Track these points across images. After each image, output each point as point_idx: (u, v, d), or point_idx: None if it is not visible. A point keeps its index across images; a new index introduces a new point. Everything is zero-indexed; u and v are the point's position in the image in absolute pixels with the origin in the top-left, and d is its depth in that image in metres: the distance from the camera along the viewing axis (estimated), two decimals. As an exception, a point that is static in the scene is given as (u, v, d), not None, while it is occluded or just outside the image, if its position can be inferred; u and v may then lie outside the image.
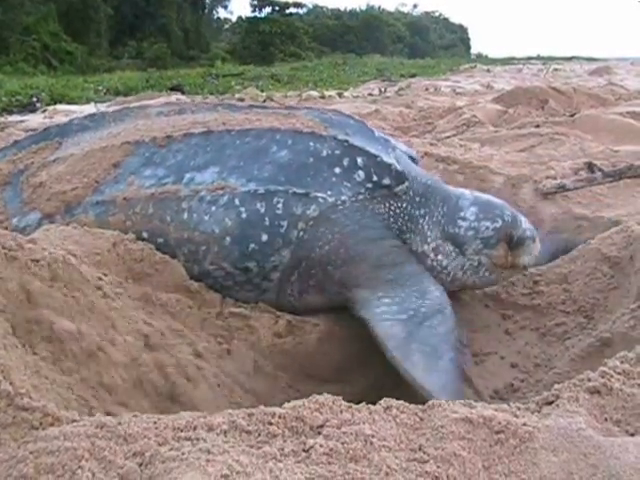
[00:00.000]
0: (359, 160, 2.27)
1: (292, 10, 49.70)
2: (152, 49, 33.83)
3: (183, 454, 1.10)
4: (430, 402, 1.28)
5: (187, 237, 2.13)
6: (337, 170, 2.24)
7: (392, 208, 2.33)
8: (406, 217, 2.36)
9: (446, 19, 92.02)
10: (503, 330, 2.53)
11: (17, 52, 27.04)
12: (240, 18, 53.21)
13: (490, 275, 2.46)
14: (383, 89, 15.23)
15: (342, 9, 68.36)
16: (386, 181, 2.29)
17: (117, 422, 1.20)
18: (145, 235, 2.13)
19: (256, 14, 48.05)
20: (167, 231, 2.14)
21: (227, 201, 2.14)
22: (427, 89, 14.95)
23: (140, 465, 1.09)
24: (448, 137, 5.82)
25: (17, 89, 14.54)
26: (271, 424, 1.20)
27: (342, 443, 1.14)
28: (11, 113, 11.04)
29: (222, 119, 2.39)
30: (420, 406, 1.27)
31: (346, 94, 14.58)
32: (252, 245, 2.14)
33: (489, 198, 2.59)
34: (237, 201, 2.14)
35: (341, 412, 1.24)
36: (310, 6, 60.69)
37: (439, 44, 78.64)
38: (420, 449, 1.15)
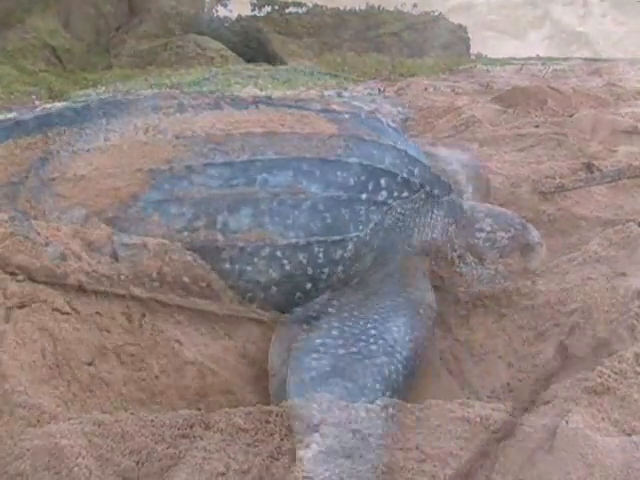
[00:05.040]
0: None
1: (292, 9, 49.71)
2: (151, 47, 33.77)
3: (180, 452, 1.10)
4: (427, 402, 1.28)
5: None
6: (364, 196, 2.18)
7: (424, 215, 2.42)
8: (435, 223, 2.47)
9: (446, 19, 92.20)
10: (500, 329, 2.52)
11: (16, 49, 27.01)
12: (240, 16, 53.24)
13: (505, 282, 2.54)
14: (382, 88, 15.21)
15: (341, 8, 68.26)
16: (436, 190, 2.42)
17: (114, 420, 1.19)
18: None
19: (255, 13, 48.10)
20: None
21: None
22: (426, 89, 14.87)
23: (137, 463, 1.10)
24: (447, 137, 5.81)
25: (15, 86, 14.49)
26: (268, 422, 1.20)
27: (339, 442, 1.14)
28: (9, 110, 11.02)
29: (263, 119, 2.22)
30: (417, 405, 1.28)
31: (345, 93, 14.57)
32: (298, 294, 2.10)
33: (500, 209, 2.73)
34: (279, 253, 2.04)
35: (338, 411, 1.24)
36: (310, 5, 60.48)
37: (438, 43, 78.79)
38: (417, 448, 1.15)
